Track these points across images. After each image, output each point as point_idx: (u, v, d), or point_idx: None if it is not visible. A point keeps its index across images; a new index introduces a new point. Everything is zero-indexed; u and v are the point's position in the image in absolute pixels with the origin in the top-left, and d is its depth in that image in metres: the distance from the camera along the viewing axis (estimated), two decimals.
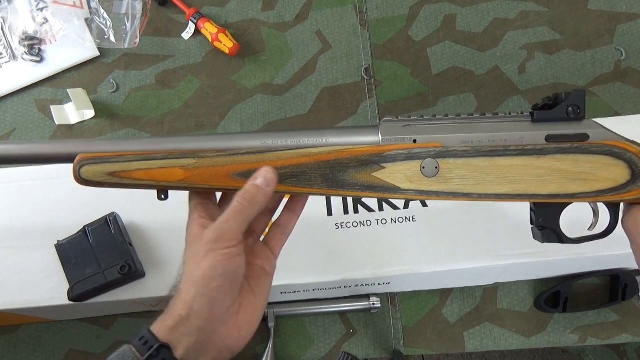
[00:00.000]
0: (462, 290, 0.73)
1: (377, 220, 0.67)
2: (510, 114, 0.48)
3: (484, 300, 0.73)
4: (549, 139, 0.47)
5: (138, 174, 0.46)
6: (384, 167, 0.46)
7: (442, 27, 0.85)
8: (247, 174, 0.46)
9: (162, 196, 0.49)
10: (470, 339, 0.71)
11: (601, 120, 0.48)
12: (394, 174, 0.46)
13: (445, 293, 0.73)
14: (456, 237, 0.66)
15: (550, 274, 0.72)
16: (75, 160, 0.47)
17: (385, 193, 0.47)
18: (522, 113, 0.48)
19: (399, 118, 0.48)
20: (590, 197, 0.47)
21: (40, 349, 0.71)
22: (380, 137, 0.47)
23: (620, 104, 0.80)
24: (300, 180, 0.47)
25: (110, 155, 0.47)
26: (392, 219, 0.67)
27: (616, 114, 0.79)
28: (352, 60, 0.84)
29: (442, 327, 0.72)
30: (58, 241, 0.65)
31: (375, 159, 0.46)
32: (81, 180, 0.47)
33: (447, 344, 0.71)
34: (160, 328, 0.43)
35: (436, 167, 0.47)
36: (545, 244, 0.51)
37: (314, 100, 0.82)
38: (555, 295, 0.71)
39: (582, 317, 0.72)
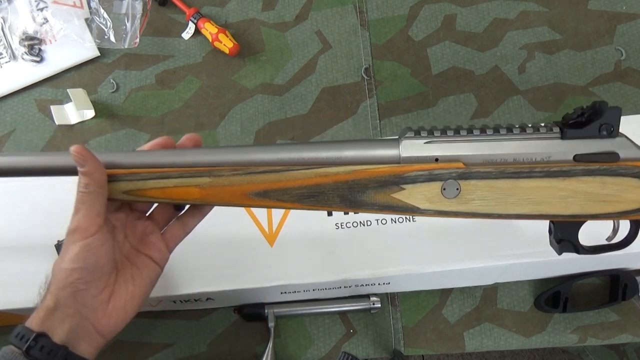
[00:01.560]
0: (462, 290, 0.73)
1: (377, 220, 0.67)
2: (539, 129, 0.46)
3: (484, 300, 0.73)
4: (577, 157, 0.45)
5: (153, 192, 0.46)
6: (404, 189, 0.45)
7: (442, 27, 0.85)
8: (264, 194, 0.45)
9: (178, 208, 0.49)
10: (470, 339, 0.71)
11: None
12: (413, 195, 0.45)
13: (445, 293, 0.73)
14: (456, 237, 0.65)
15: (550, 274, 0.72)
16: None
17: (404, 212, 0.46)
18: (551, 129, 0.46)
19: (421, 134, 0.46)
20: (612, 217, 0.46)
21: None
22: (401, 155, 0.45)
23: (620, 104, 0.79)
24: (318, 200, 0.46)
25: (123, 173, 0.46)
26: (392, 219, 0.67)
27: None
28: (352, 60, 0.84)
29: (442, 327, 0.72)
30: (58, 241, 0.64)
31: (395, 180, 0.45)
32: None
33: (447, 344, 0.71)
34: (33, 320, 0.45)
35: (457, 189, 0.45)
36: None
37: (314, 100, 0.82)
38: (555, 295, 0.71)
39: (582, 317, 0.72)
